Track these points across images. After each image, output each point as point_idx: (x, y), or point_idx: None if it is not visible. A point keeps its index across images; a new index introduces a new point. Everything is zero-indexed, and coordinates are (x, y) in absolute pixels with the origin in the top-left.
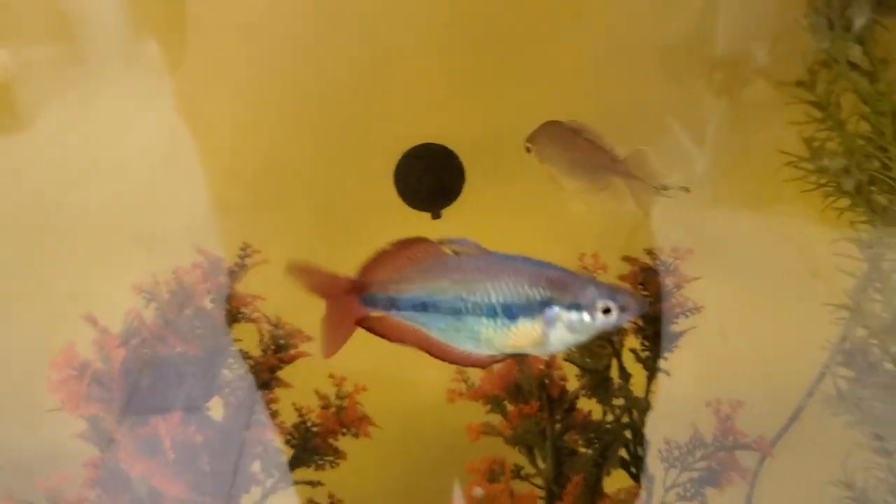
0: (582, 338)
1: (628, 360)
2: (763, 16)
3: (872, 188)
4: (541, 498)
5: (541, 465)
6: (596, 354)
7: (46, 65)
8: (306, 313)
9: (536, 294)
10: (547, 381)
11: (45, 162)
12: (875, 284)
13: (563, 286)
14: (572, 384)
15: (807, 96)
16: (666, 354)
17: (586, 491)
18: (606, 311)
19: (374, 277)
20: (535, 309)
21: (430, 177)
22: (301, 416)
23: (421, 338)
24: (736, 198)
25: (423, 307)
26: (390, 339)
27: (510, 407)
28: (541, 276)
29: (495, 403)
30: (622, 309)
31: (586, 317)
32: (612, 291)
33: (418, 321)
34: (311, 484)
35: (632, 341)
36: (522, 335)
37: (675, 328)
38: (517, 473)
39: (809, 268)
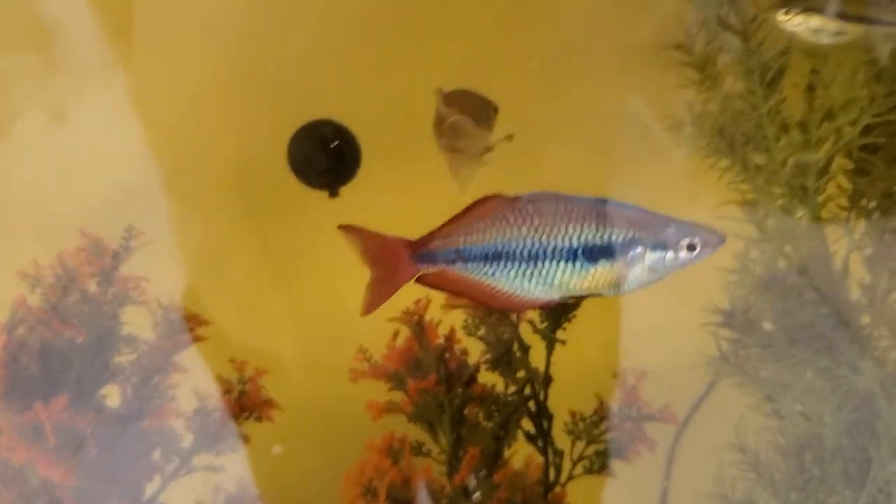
0: (661, 276)
1: (526, 331)
2: None
3: (747, 147)
4: (442, 473)
5: (442, 440)
6: (495, 327)
7: None
8: (204, 297)
9: (619, 235)
10: (447, 356)
11: None
12: (760, 245)
13: (645, 226)
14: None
15: (685, 58)
16: (564, 324)
17: (485, 463)
18: (691, 247)
19: (434, 237)
20: (616, 250)
21: (324, 154)
22: (200, 400)
23: (482, 289)
24: (626, 164)
25: (497, 256)
26: (450, 292)
27: (411, 383)
28: (622, 217)
29: (397, 381)
30: (705, 244)
31: (670, 255)
32: (693, 228)
33: (485, 272)
34: (213, 469)
35: (530, 313)
36: (601, 277)
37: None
38: (419, 450)
39: None
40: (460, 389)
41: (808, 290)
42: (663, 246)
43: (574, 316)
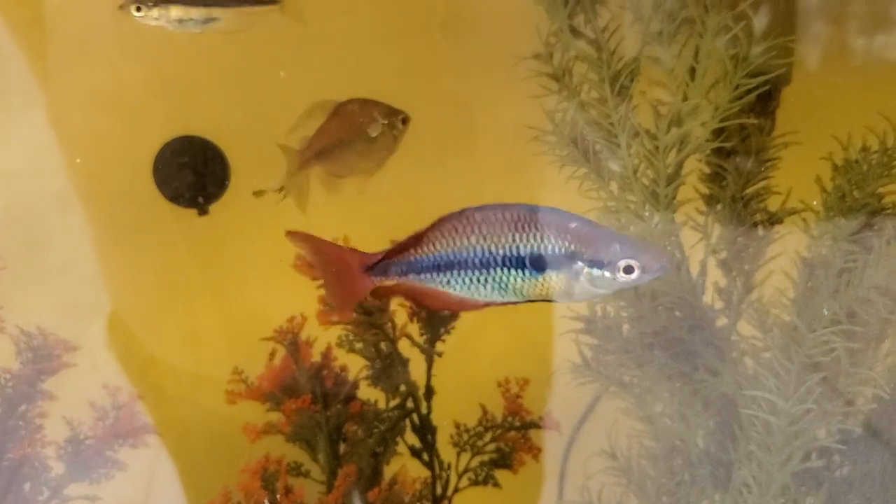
0: (606, 292)
1: (405, 345)
2: None
3: (601, 155)
4: (320, 493)
5: (321, 459)
6: (373, 342)
7: None
8: (73, 322)
9: (562, 248)
10: (324, 373)
11: None
12: None
13: (587, 241)
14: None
15: (544, 69)
16: (443, 336)
17: (362, 481)
18: (628, 269)
19: (390, 253)
20: (561, 262)
21: (190, 171)
22: (72, 428)
23: (437, 295)
24: (496, 175)
25: (448, 266)
26: (406, 299)
27: (286, 403)
28: (567, 229)
29: (274, 401)
30: (643, 269)
31: (608, 274)
32: (635, 250)
33: (438, 281)
34: (88, 499)
35: (412, 327)
36: (550, 285)
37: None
38: (297, 470)
39: None
40: (338, 407)
41: (661, 294)
42: (601, 264)
43: (453, 328)
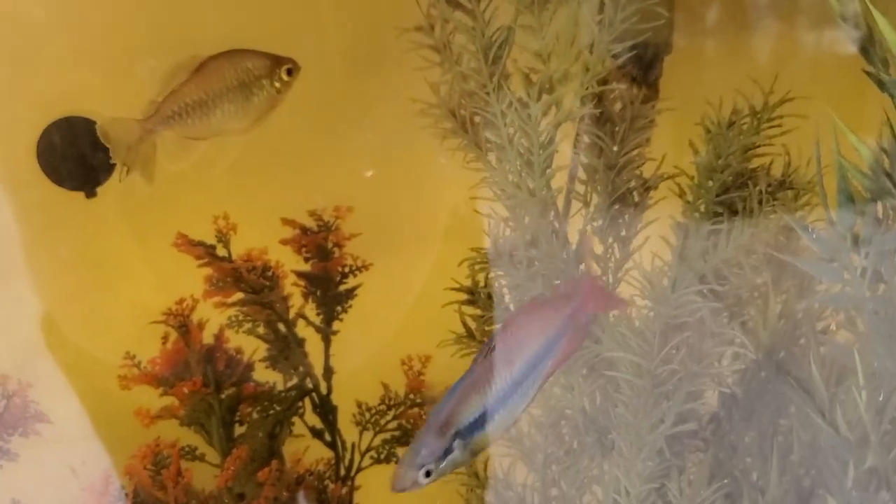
0: None
1: (301, 325)
2: None
3: (478, 126)
4: (216, 476)
5: (215, 442)
6: (266, 321)
7: None
8: None
9: None
10: (217, 356)
11: None
12: (509, 223)
13: None
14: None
15: (426, 41)
16: (340, 316)
17: (255, 463)
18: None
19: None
20: None
21: (74, 153)
22: None
23: None
24: (386, 151)
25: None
26: None
27: (178, 386)
28: None
29: (167, 385)
30: None
31: None
32: None
33: None
34: None
35: (308, 308)
36: None
37: (344, 287)
38: (192, 454)
39: (455, 214)
40: (231, 389)
41: (537, 262)
42: None
43: (350, 306)
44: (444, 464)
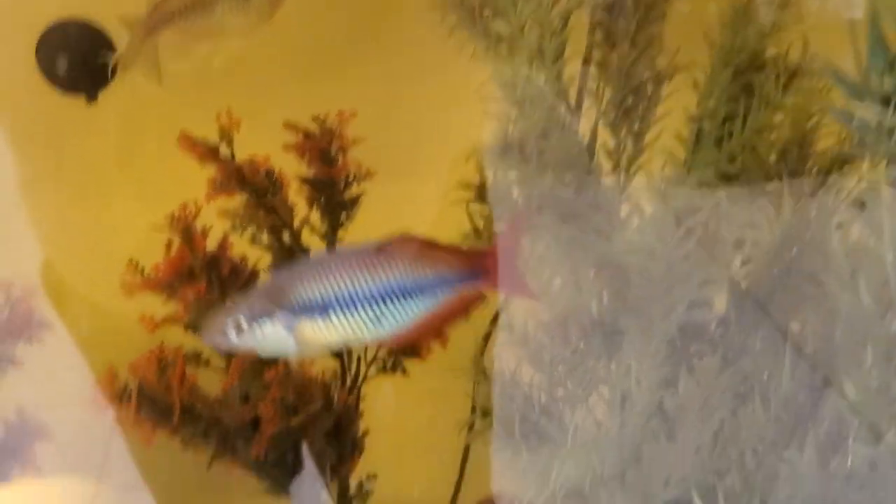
0: None
1: (306, 234)
2: None
3: (486, 17)
4: (220, 381)
5: None
6: (270, 228)
7: None
8: None
9: None
10: (221, 262)
11: None
12: (517, 121)
13: None
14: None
15: None
16: (345, 223)
17: (258, 367)
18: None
19: None
20: None
21: (75, 56)
22: None
23: None
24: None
25: None
26: None
27: (183, 291)
28: None
29: (171, 291)
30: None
31: None
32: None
33: None
34: None
35: (313, 216)
36: None
37: (348, 195)
38: (197, 360)
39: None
40: (235, 295)
41: (548, 151)
42: None
43: (354, 214)
44: (259, 329)
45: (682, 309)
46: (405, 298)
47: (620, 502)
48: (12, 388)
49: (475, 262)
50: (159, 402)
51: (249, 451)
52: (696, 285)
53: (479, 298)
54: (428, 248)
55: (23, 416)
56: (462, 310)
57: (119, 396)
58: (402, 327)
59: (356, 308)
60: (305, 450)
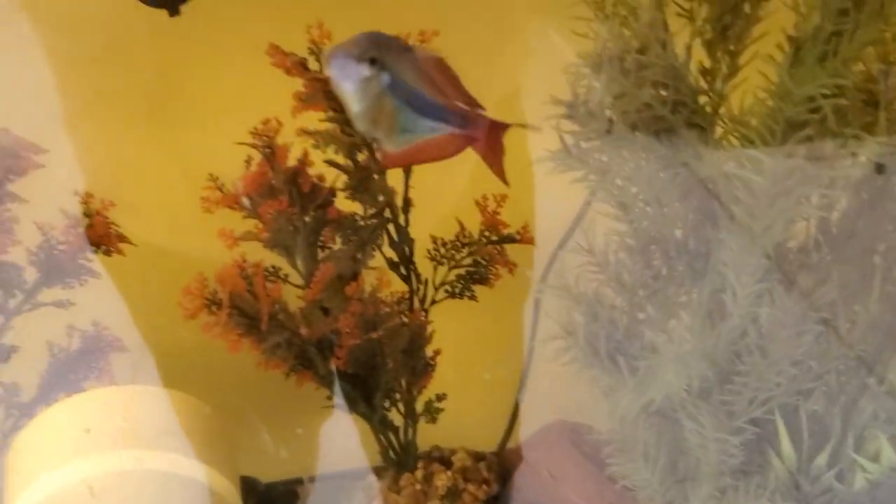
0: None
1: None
2: None
3: None
4: (299, 297)
5: (298, 264)
6: (348, 149)
7: None
8: (41, 127)
9: None
10: (300, 179)
11: None
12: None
13: None
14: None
15: None
16: None
17: (338, 283)
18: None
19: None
20: None
21: None
22: (44, 234)
23: None
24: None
25: None
26: None
27: (263, 207)
28: None
29: (250, 206)
30: (330, 57)
31: None
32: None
33: None
34: (61, 305)
35: None
36: None
37: None
38: (275, 275)
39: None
40: (315, 212)
41: (645, 70)
42: None
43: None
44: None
45: (782, 224)
46: (421, 113)
47: (704, 420)
48: (89, 300)
49: (476, 119)
50: (248, 310)
51: (327, 365)
52: (797, 200)
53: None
54: (453, 79)
55: (98, 328)
56: (442, 155)
57: (208, 304)
58: (405, 143)
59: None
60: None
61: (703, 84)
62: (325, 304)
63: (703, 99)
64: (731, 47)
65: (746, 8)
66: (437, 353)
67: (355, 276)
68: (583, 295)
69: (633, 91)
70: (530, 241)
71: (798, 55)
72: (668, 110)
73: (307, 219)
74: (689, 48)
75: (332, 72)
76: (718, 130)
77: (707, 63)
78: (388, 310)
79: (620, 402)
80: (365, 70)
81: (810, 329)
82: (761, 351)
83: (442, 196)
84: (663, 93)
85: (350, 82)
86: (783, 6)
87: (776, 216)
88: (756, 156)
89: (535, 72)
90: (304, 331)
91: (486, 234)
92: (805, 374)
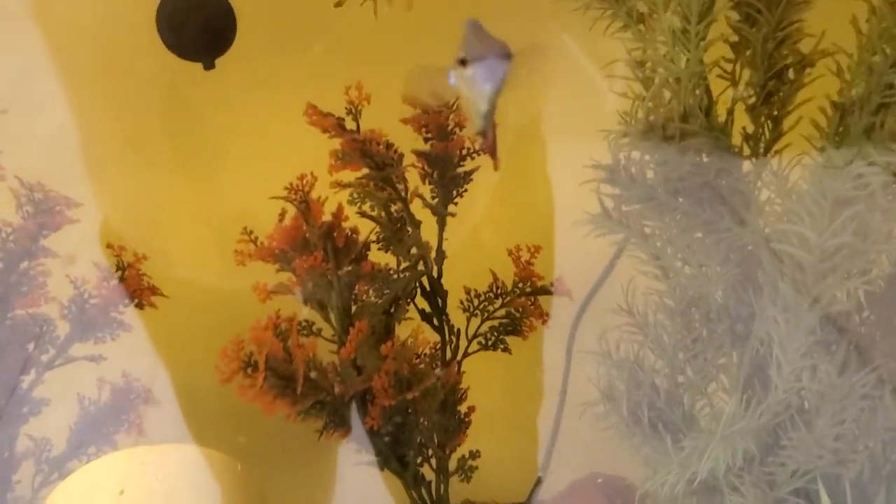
0: (474, 96)
1: (416, 206)
2: None
3: None
4: (332, 352)
5: (332, 318)
6: (383, 202)
7: None
8: (74, 179)
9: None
10: (335, 234)
11: None
12: (648, 103)
13: (461, 42)
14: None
15: None
16: (456, 199)
17: (373, 339)
18: (463, 61)
19: None
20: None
21: (195, 21)
22: (76, 288)
23: None
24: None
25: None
26: None
27: (297, 261)
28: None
29: (284, 261)
30: (474, 58)
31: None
32: (472, 41)
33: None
34: (93, 360)
35: (424, 188)
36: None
37: (462, 170)
38: (309, 329)
39: (583, 93)
40: (349, 267)
41: (689, 137)
42: (461, 62)
43: (466, 190)
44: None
45: (828, 299)
46: None
47: (746, 490)
48: (121, 352)
49: None
50: (283, 372)
51: (360, 423)
52: (844, 277)
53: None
54: None
55: (129, 380)
56: None
57: (244, 366)
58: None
59: None
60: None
61: (746, 149)
62: (360, 363)
63: (746, 165)
64: (775, 112)
65: (790, 73)
66: (471, 409)
67: (389, 331)
68: (624, 361)
69: (676, 158)
70: (565, 294)
71: (843, 122)
72: (711, 177)
73: (341, 273)
74: (731, 112)
75: (476, 72)
76: (764, 195)
77: (750, 128)
78: (422, 366)
79: (666, 478)
80: (507, 66)
81: (856, 403)
82: (806, 424)
83: (475, 247)
84: (706, 159)
85: (492, 83)
86: (828, 72)
87: (823, 291)
88: (803, 233)
89: (570, 129)
90: (337, 389)
91: (520, 285)
92: (849, 444)
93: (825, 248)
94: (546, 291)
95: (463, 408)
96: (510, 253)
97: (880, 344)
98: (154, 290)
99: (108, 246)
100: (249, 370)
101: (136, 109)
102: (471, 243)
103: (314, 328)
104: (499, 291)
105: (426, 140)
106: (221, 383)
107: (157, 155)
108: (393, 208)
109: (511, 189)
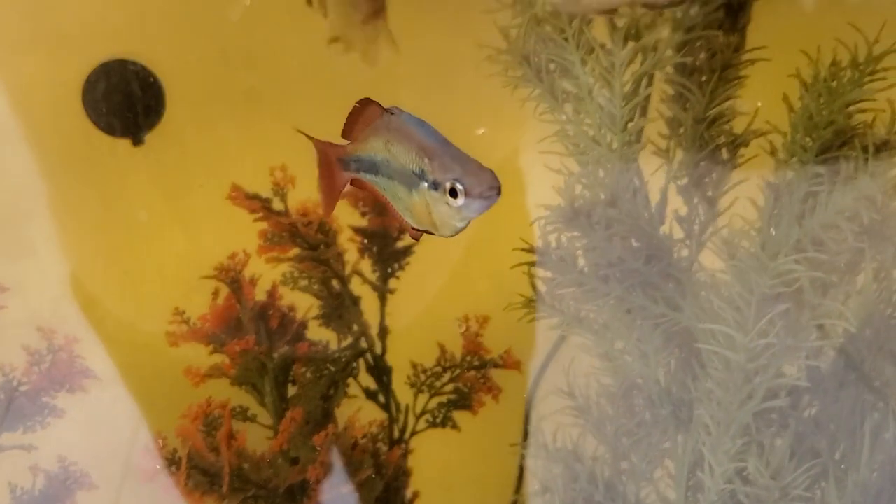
0: (453, 222)
1: (356, 283)
2: None
3: (555, 74)
4: (268, 438)
5: (267, 403)
6: (322, 279)
7: None
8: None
9: (413, 164)
10: (270, 313)
11: None
12: (581, 180)
13: (431, 156)
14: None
15: None
16: (397, 273)
17: (309, 425)
18: (453, 192)
19: (350, 140)
20: (414, 182)
21: (121, 98)
22: (4, 374)
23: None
24: (448, 96)
25: (374, 168)
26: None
27: (230, 345)
28: (419, 143)
29: (217, 342)
30: (467, 193)
31: (439, 196)
32: (462, 169)
33: (376, 183)
34: (24, 448)
35: (364, 263)
36: (417, 209)
37: (401, 244)
38: (244, 415)
39: (519, 169)
40: (284, 348)
41: (616, 223)
42: (436, 185)
43: (407, 264)
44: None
45: (758, 398)
46: None
47: None
48: (54, 438)
49: None
50: (208, 468)
51: None
52: (774, 375)
53: None
54: None
55: (64, 466)
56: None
57: (168, 462)
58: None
59: None
60: None
61: (679, 233)
62: (294, 454)
63: (681, 250)
64: (709, 193)
65: (724, 153)
66: (415, 495)
67: (327, 416)
68: (560, 451)
69: (604, 245)
70: (515, 367)
71: (778, 204)
72: (640, 263)
73: (276, 356)
74: (664, 192)
75: (469, 205)
76: (700, 278)
77: (683, 210)
78: (361, 456)
79: None
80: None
81: (793, 496)
82: None
83: (422, 320)
84: (635, 244)
85: (479, 214)
86: (762, 151)
87: (755, 389)
88: (729, 333)
89: (509, 208)
90: (271, 482)
91: (468, 358)
92: None
93: (751, 348)
94: (494, 364)
95: (408, 493)
96: (459, 323)
97: (823, 435)
98: (86, 374)
99: (39, 329)
100: (173, 468)
101: (65, 187)
102: (417, 317)
103: (249, 413)
104: (447, 365)
105: (363, 214)
106: (143, 483)
107: (85, 232)
108: (333, 281)
109: (458, 260)
